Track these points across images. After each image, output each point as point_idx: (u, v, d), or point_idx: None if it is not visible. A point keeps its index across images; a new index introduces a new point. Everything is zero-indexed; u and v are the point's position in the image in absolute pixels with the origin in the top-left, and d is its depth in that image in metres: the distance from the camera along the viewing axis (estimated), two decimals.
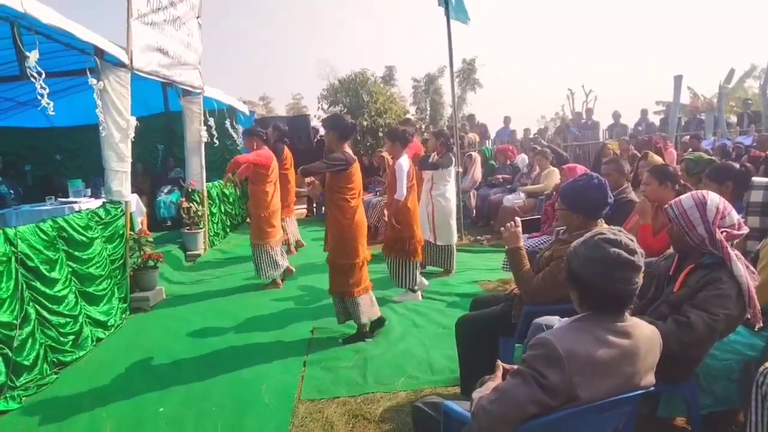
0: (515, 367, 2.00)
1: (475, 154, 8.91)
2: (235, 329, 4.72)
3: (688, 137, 10.29)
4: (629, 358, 1.67)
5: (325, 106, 12.24)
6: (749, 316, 2.26)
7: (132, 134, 5.16)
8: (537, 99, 43.48)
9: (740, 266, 2.26)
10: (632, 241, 1.74)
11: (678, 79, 12.50)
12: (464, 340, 3.18)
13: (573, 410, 1.62)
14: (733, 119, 14.76)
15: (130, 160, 5.24)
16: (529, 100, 40.05)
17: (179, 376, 3.82)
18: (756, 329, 2.33)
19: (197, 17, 7.18)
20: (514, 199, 7.73)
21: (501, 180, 8.89)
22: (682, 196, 2.50)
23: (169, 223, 8.71)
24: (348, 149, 4.19)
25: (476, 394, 1.79)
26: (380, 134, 11.19)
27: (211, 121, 7.95)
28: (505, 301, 3.24)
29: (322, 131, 12.72)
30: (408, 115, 13.94)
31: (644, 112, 14.40)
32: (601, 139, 13.02)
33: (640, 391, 1.70)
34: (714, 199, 2.38)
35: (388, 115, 11.61)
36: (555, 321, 2.58)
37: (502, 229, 3.03)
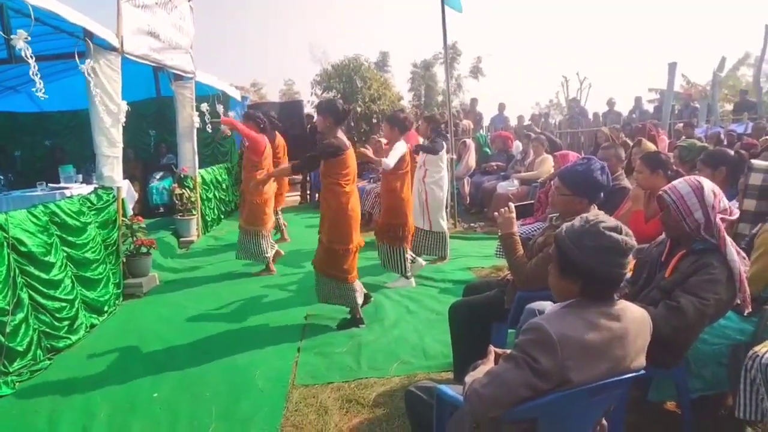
0: (507, 351, 2.01)
1: (469, 141, 8.88)
2: (229, 315, 4.72)
3: (681, 125, 10.31)
4: (619, 341, 1.69)
5: (319, 92, 12.18)
6: (739, 302, 2.29)
7: (123, 119, 5.11)
8: (533, 86, 43.37)
9: (733, 251, 2.28)
10: (623, 224, 1.75)
11: (672, 67, 12.50)
12: (457, 326, 3.19)
13: (564, 393, 1.63)
14: (728, 107, 14.83)
15: (121, 145, 5.20)
16: (525, 88, 39.96)
17: (173, 361, 3.82)
18: (745, 314, 2.35)
19: (189, 0, 7.08)
20: (508, 186, 7.73)
21: (495, 167, 8.89)
22: (677, 182, 2.49)
23: (161, 210, 8.65)
24: (342, 135, 4.18)
25: (469, 378, 1.80)
26: (374, 120, 11.15)
27: (204, 107, 7.87)
28: (498, 287, 3.25)
29: (316, 117, 12.67)
30: (402, 102, 13.87)
31: (638, 100, 14.42)
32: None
33: (631, 375, 1.72)
34: (708, 183, 2.39)
35: (382, 101, 11.56)
36: (547, 306, 2.58)
37: (496, 214, 3.04)
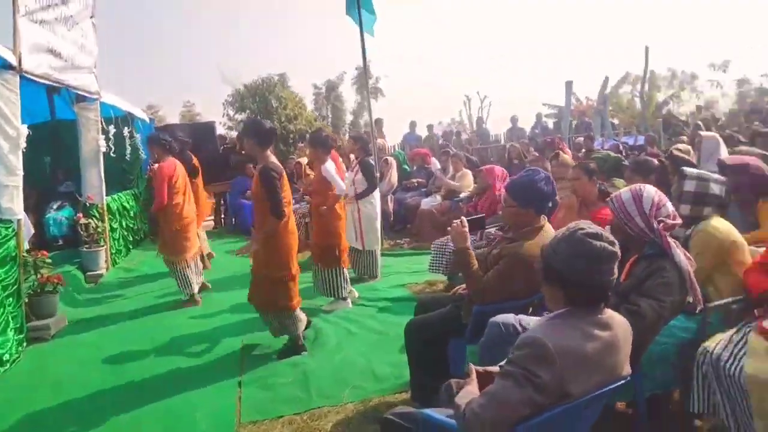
0: (491, 369, 1.97)
1: (391, 158, 8.94)
2: (156, 353, 4.34)
3: (582, 138, 11.04)
4: (612, 350, 1.70)
5: (231, 113, 11.80)
6: (690, 300, 2.41)
7: (23, 144, 4.64)
8: (435, 105, 44.76)
9: (680, 253, 2.40)
10: (606, 232, 1.78)
11: (569, 85, 13.45)
12: (415, 345, 3.13)
13: (565, 407, 1.61)
14: (615, 122, 16.17)
15: (21, 173, 4.70)
16: (427, 106, 41.08)
17: (99, 409, 3.42)
18: (697, 311, 2.48)
19: (91, 17, 6.61)
20: (431, 202, 7.86)
21: (416, 184, 9.01)
22: (622, 190, 2.63)
23: (60, 242, 7.89)
24: (272, 157, 4.01)
25: (460, 401, 1.73)
26: (290, 140, 10.95)
27: (111, 130, 7.33)
28: (451, 302, 3.23)
29: (231, 136, 12.25)
30: (317, 122, 13.75)
31: (539, 116, 15.32)
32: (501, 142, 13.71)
33: (621, 381, 1.73)
34: (650, 192, 2.53)
35: (299, 120, 11.38)
36: (511, 318, 2.60)
37: (449, 228, 3.02)
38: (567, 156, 6.01)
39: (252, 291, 4.10)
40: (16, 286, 4.64)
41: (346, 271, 5.16)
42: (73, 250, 7.17)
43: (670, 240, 2.42)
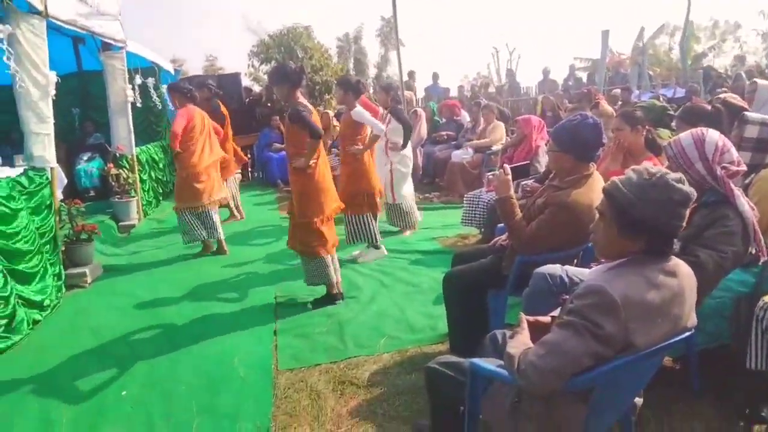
0: (542, 318, 1.89)
1: (420, 110, 8.70)
2: (190, 301, 4.37)
3: (618, 90, 10.61)
4: (678, 299, 1.59)
5: (257, 64, 11.59)
6: (753, 251, 2.27)
7: (53, 91, 4.58)
8: (461, 56, 43.61)
9: (744, 202, 2.25)
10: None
11: (605, 34, 12.83)
12: (453, 296, 3.05)
13: (627, 359, 1.52)
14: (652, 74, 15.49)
15: (52, 120, 4.66)
16: (453, 58, 40.07)
17: (137, 355, 3.47)
18: (761, 263, 2.34)
19: None
20: (462, 155, 7.67)
21: (445, 137, 8.80)
22: (681, 135, 2.46)
23: (92, 194, 7.97)
24: (302, 98, 3.92)
25: (513, 350, 1.65)
26: (316, 93, 10.74)
27: (138, 79, 7.25)
28: (491, 253, 3.13)
29: (256, 89, 12.10)
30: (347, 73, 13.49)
31: (572, 68, 14.77)
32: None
33: (688, 333, 1.63)
34: (713, 136, 2.35)
35: (324, 72, 11.12)
36: (558, 269, 2.50)
37: (491, 177, 2.90)
38: (607, 106, 5.75)
39: (290, 236, 4.10)
40: (52, 234, 4.69)
41: (376, 218, 5.06)
42: (104, 201, 7.23)
43: (734, 187, 2.26)
